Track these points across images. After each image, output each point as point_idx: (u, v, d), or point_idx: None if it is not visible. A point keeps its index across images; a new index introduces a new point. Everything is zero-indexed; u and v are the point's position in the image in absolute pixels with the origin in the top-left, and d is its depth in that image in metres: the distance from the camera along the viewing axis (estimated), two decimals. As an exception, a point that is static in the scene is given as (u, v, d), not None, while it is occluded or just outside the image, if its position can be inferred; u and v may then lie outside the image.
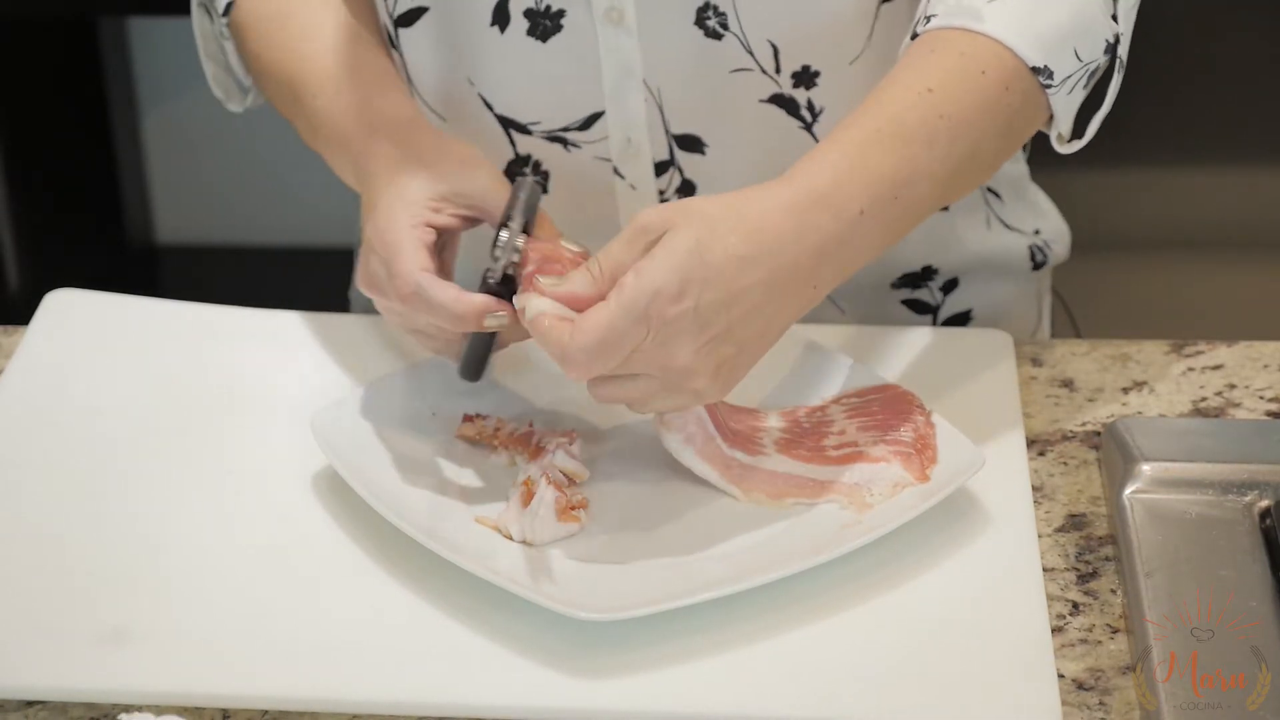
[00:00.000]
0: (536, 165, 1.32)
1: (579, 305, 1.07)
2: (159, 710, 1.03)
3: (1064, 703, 1.03)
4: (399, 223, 1.15)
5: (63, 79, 2.55)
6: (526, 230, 1.14)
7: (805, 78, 1.28)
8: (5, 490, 1.18)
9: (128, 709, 1.03)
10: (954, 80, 1.14)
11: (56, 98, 2.56)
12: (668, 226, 1.07)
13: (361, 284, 1.17)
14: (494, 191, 1.17)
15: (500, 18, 1.26)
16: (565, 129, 1.30)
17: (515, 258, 1.12)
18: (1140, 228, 2.69)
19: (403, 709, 1.03)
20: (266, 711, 1.04)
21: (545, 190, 1.32)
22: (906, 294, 1.39)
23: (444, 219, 1.17)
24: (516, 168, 1.32)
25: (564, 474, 1.15)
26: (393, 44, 1.31)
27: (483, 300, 1.13)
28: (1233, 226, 2.70)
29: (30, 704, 1.04)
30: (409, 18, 1.29)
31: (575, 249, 1.14)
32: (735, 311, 1.07)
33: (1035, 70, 1.15)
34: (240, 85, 1.37)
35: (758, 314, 1.08)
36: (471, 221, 1.18)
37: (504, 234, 1.13)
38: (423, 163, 1.17)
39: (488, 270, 1.13)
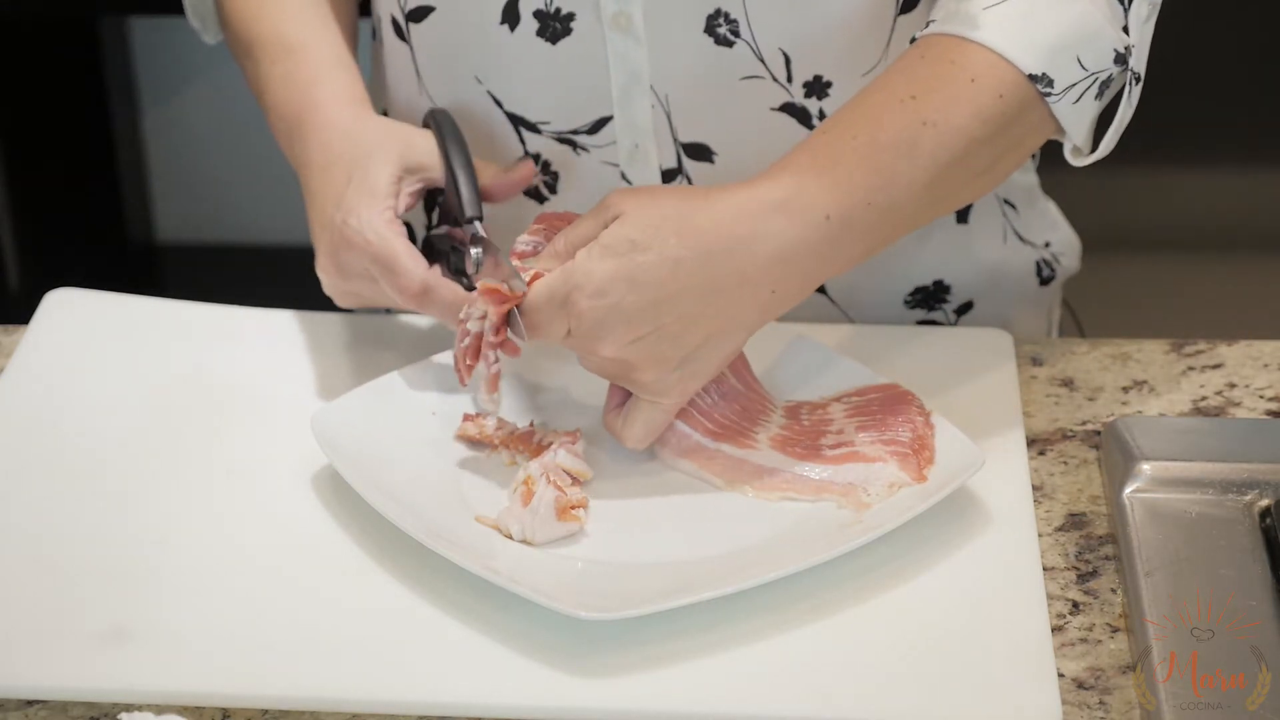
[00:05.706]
0: (546, 165, 1.32)
1: None
2: (159, 710, 1.03)
3: (1064, 702, 1.03)
4: (377, 224, 1.18)
5: (63, 79, 2.55)
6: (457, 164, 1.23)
7: (817, 87, 1.27)
8: (5, 490, 1.18)
9: (128, 709, 1.03)
10: (939, 87, 1.14)
11: (56, 98, 2.56)
12: (618, 213, 1.09)
13: (327, 270, 1.21)
14: (432, 155, 1.23)
15: (510, 16, 1.26)
16: (574, 131, 1.30)
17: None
18: (1140, 228, 2.69)
19: (403, 709, 1.03)
20: (266, 711, 1.04)
21: (554, 191, 1.33)
22: (921, 314, 1.39)
23: (404, 201, 1.22)
24: None
25: (567, 473, 1.15)
26: (403, 37, 1.31)
27: None
28: (1233, 226, 2.70)
29: (30, 704, 1.04)
30: (417, 14, 1.30)
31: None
32: (668, 314, 1.09)
33: (1033, 78, 1.14)
34: (217, 18, 1.39)
35: (699, 318, 1.09)
36: (420, 194, 1.24)
37: (474, 250, 1.19)
38: (371, 157, 1.21)
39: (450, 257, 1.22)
